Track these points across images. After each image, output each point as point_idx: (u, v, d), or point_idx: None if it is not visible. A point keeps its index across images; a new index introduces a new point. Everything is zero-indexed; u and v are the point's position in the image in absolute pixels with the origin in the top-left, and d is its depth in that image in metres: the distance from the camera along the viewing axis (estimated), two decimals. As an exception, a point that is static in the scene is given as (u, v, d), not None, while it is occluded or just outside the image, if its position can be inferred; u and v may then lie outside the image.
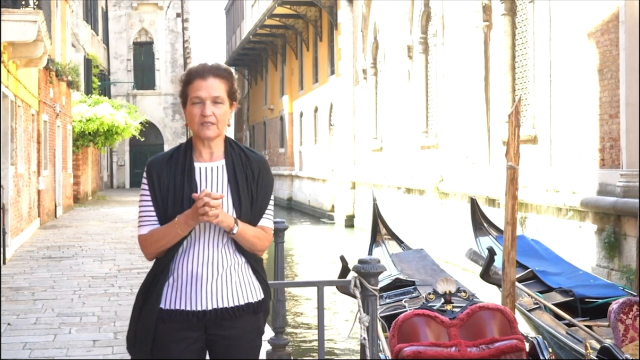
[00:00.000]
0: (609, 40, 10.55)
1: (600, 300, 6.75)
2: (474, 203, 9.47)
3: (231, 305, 2.85)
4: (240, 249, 2.89)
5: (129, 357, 2.98)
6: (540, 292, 7.17)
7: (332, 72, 27.32)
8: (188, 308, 2.83)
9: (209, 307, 2.82)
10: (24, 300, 8.42)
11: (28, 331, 6.98)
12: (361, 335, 3.75)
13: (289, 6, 28.85)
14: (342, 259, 5.89)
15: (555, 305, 6.72)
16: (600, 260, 10.55)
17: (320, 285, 4.02)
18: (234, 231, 2.80)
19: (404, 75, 19.57)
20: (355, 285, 3.75)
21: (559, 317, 6.49)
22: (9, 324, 7.20)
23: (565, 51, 11.79)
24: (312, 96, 30.53)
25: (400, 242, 9.09)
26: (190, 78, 2.88)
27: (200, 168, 2.89)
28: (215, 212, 2.71)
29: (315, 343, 8.59)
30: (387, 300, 6.73)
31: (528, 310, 6.84)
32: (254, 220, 2.89)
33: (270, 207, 2.96)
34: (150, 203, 2.87)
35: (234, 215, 2.84)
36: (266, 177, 2.93)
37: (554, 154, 12.11)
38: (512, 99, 13.68)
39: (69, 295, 8.68)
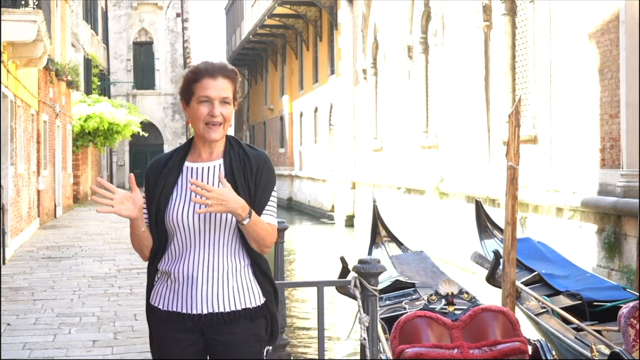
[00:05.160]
0: (609, 40, 10.54)
1: (609, 304, 6.66)
2: (478, 205, 9.34)
3: (227, 310, 2.80)
4: (240, 253, 2.85)
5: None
6: (548, 296, 7.02)
7: (332, 72, 27.31)
8: (183, 311, 2.81)
9: (204, 311, 2.79)
10: (24, 301, 8.41)
11: (28, 331, 6.97)
12: (361, 336, 3.74)
13: (289, 6, 28.84)
14: (342, 260, 5.86)
15: (563, 309, 6.59)
16: (600, 261, 10.54)
17: (320, 285, 4.01)
18: (244, 222, 2.73)
19: (404, 75, 19.56)
20: (355, 286, 3.74)
21: (566, 322, 6.37)
22: (8, 324, 7.20)
23: (565, 51, 11.78)
24: (312, 96, 30.52)
25: (399, 244, 9.05)
26: (199, 76, 2.83)
27: (197, 168, 2.86)
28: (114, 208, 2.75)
29: (315, 343, 8.58)
30: (387, 302, 6.71)
31: (535, 315, 6.72)
32: None
33: (273, 204, 2.89)
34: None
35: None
36: (265, 173, 2.87)
37: (554, 154, 12.10)
38: (512, 99, 13.67)
39: (68, 296, 8.67)
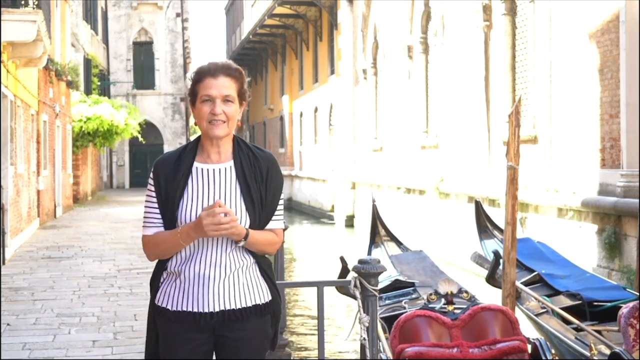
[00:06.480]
0: (610, 40, 10.53)
1: (609, 304, 6.65)
2: (478, 206, 9.32)
3: (238, 306, 2.83)
4: (248, 250, 2.88)
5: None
6: (548, 296, 6.99)
7: (332, 72, 27.31)
8: (195, 309, 2.82)
9: (217, 309, 2.82)
10: (24, 301, 8.41)
11: (28, 331, 6.97)
12: (361, 336, 3.74)
13: (289, 6, 28.83)
14: (342, 259, 5.86)
15: (563, 309, 6.57)
16: (600, 261, 10.54)
17: (320, 285, 4.01)
18: (240, 244, 2.81)
19: (404, 75, 19.56)
20: (355, 286, 3.74)
21: (567, 322, 6.34)
22: (8, 324, 7.20)
23: (565, 51, 11.78)
24: (312, 96, 30.52)
25: (399, 243, 9.04)
26: (201, 76, 2.85)
27: (208, 170, 2.86)
28: (226, 227, 2.68)
29: (315, 343, 8.58)
30: (387, 302, 6.70)
31: (535, 315, 6.70)
32: (264, 222, 2.88)
33: (280, 207, 2.93)
34: (156, 205, 2.86)
35: (247, 217, 2.82)
36: (275, 177, 2.90)
37: (554, 154, 12.09)
38: (512, 99, 13.67)
39: (68, 296, 8.67)
